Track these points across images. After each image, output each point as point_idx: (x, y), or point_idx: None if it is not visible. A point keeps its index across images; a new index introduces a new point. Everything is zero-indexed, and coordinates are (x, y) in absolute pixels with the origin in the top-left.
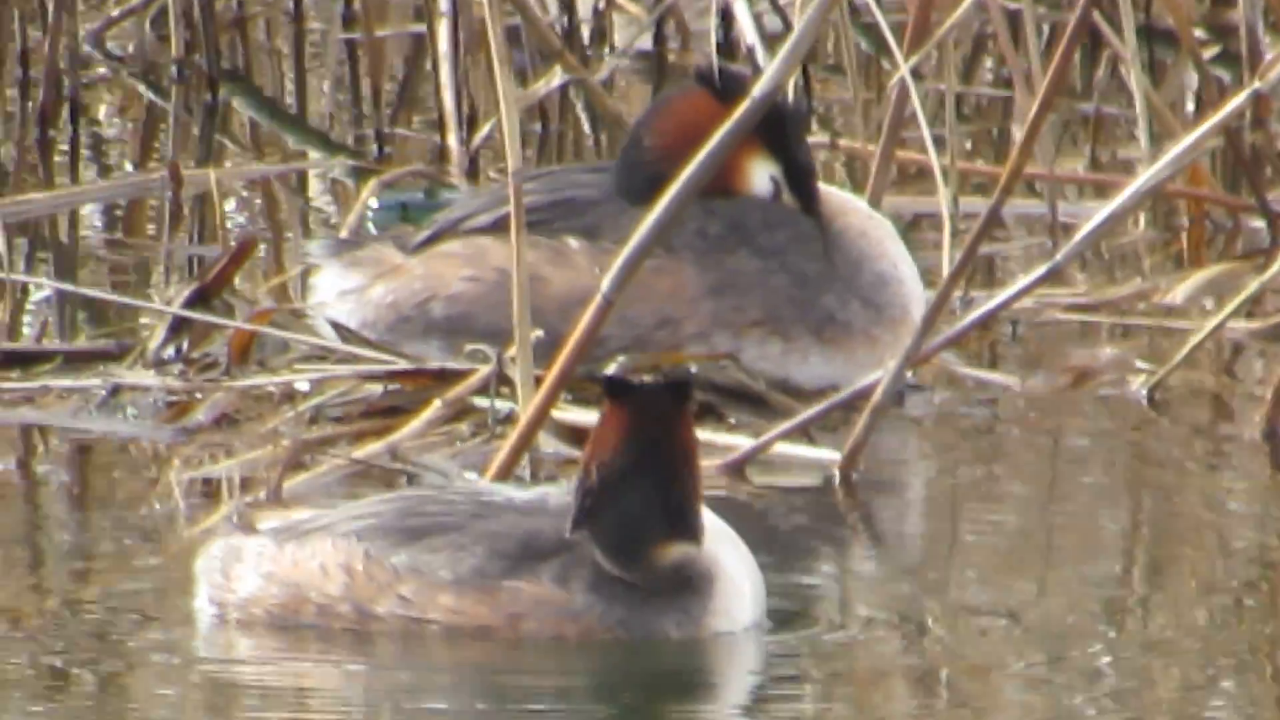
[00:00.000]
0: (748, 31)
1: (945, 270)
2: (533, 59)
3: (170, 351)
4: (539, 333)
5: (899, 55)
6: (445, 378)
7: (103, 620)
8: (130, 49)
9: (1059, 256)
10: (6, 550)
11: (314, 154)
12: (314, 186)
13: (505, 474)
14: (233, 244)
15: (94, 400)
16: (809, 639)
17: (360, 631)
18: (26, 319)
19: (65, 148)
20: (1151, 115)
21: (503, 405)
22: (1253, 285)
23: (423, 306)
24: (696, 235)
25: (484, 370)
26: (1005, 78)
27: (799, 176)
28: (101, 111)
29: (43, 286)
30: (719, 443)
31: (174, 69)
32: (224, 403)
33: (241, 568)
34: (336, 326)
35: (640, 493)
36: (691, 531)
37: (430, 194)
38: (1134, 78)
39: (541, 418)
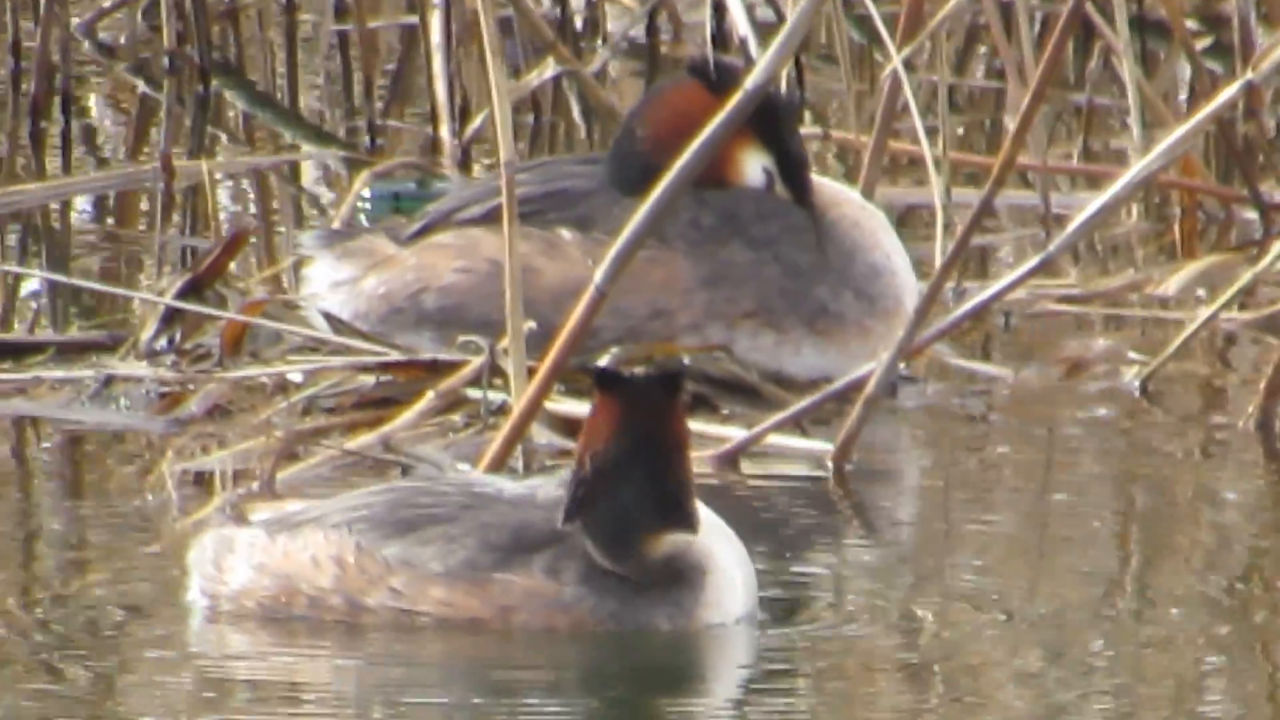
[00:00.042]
0: (740, 23)
1: (938, 261)
2: (525, 50)
3: (163, 342)
4: (532, 324)
5: (892, 46)
6: (438, 369)
7: (95, 611)
8: (122, 40)
9: (1052, 248)
10: None
11: (306, 145)
12: (306, 178)
13: (498, 465)
14: (225, 235)
15: (86, 391)
16: (801, 631)
17: (351, 623)
18: (19, 310)
19: (57, 139)
20: (1144, 106)
21: (495, 396)
22: (1245, 276)
23: (415, 298)
24: (689, 226)
25: (476, 361)
26: (998, 69)
27: (792, 168)
28: (93, 102)
29: (35, 278)
30: (712, 434)
31: (166, 60)
32: (216, 394)
33: (233, 559)
34: (329, 318)
35: (632, 484)
36: (688, 521)
37: (422, 185)
38: (1126, 69)
39: (534, 409)
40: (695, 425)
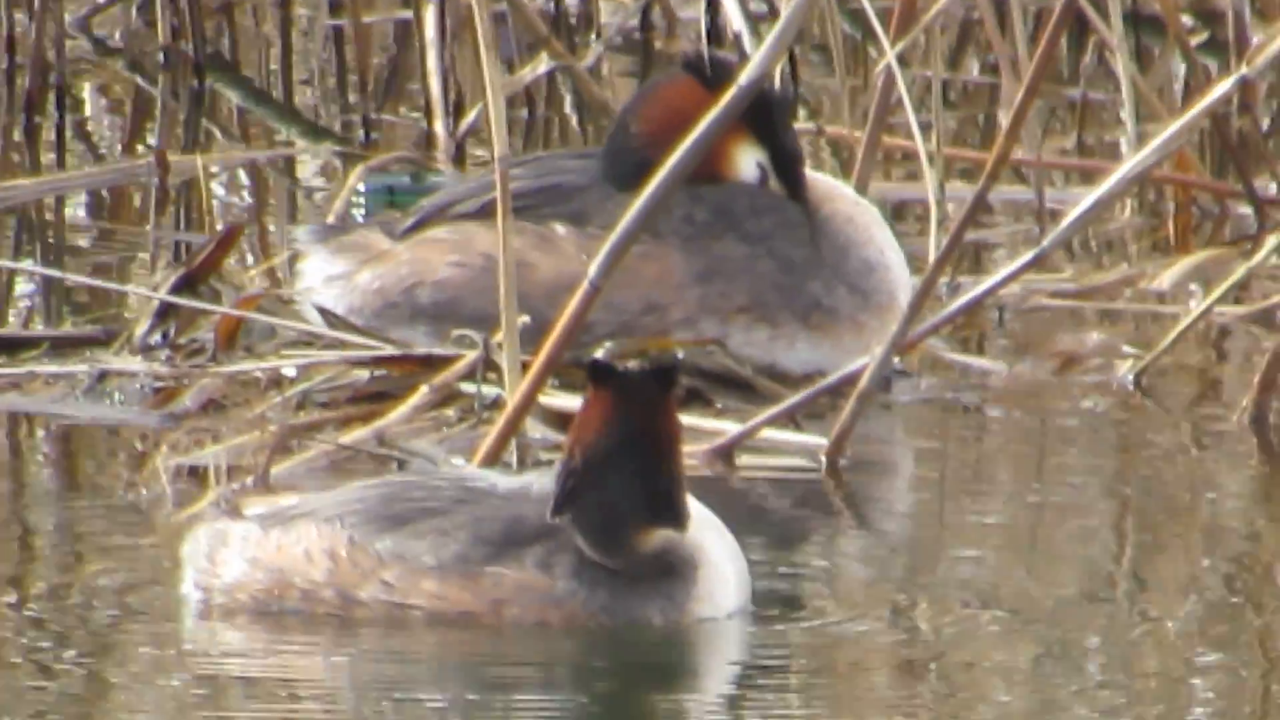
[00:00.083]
0: (734, 18)
1: (932, 256)
2: (519, 45)
3: (157, 337)
4: (526, 318)
5: (885, 41)
6: (432, 363)
7: (89, 605)
8: (117, 35)
9: (1045, 242)
10: None
11: (301, 140)
12: (301, 172)
13: (492, 459)
14: (219, 230)
15: (80, 386)
16: (794, 625)
17: (344, 617)
18: (13, 304)
19: (52, 134)
20: (1138, 101)
21: (489, 391)
22: (1239, 270)
23: (409, 292)
24: (683, 221)
25: (471, 356)
26: (992, 64)
27: (786, 163)
28: (88, 97)
29: (29, 272)
30: (706, 428)
31: (161, 55)
32: (211, 388)
33: (227, 553)
34: (323, 312)
35: (623, 478)
36: (676, 517)
37: (417, 180)
38: (1121, 64)
39: (528, 403)
40: (689, 419)
